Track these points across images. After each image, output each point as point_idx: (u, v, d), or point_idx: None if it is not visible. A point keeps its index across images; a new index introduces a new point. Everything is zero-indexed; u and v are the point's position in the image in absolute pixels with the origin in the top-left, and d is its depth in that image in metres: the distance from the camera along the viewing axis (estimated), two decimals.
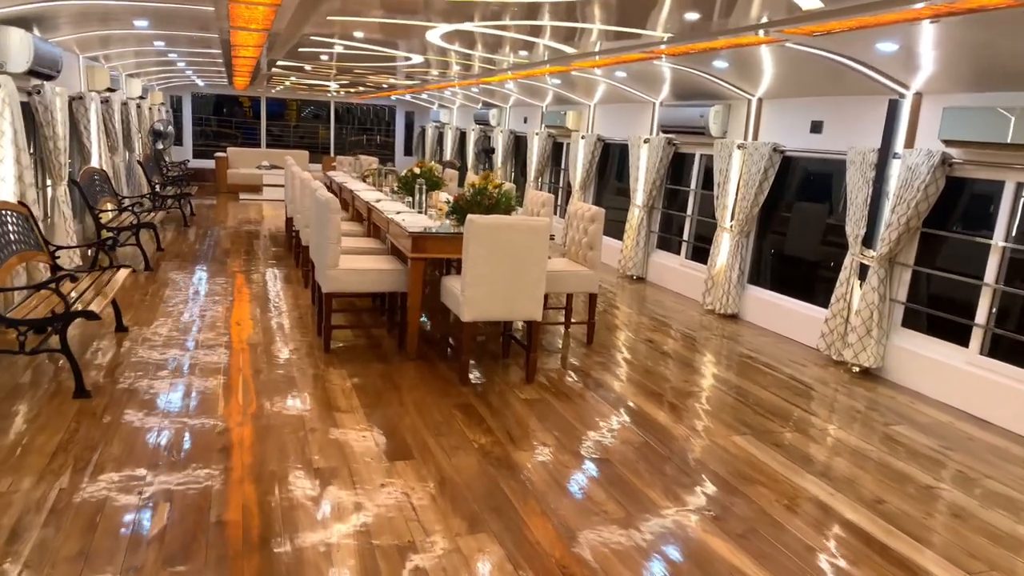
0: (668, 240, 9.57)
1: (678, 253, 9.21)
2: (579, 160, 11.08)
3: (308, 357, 5.59)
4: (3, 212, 5.06)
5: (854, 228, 6.20)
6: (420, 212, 6.46)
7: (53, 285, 4.32)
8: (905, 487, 4.10)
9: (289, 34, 6.56)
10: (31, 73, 6.11)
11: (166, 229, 11.25)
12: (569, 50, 7.19)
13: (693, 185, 8.95)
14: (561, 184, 12.67)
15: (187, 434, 4.07)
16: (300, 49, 8.07)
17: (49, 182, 7.38)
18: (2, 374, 4.71)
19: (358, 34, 6.64)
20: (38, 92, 6.75)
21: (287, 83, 14.61)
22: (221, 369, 5.16)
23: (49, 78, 6.72)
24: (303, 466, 3.80)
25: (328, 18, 5.77)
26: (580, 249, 6.38)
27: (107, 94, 9.94)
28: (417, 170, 7.50)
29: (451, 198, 6.06)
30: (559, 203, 12.65)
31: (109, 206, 8.59)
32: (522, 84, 11.28)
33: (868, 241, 6.11)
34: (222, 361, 5.33)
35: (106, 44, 8.78)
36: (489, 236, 4.93)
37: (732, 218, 7.79)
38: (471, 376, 5.36)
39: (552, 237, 5.73)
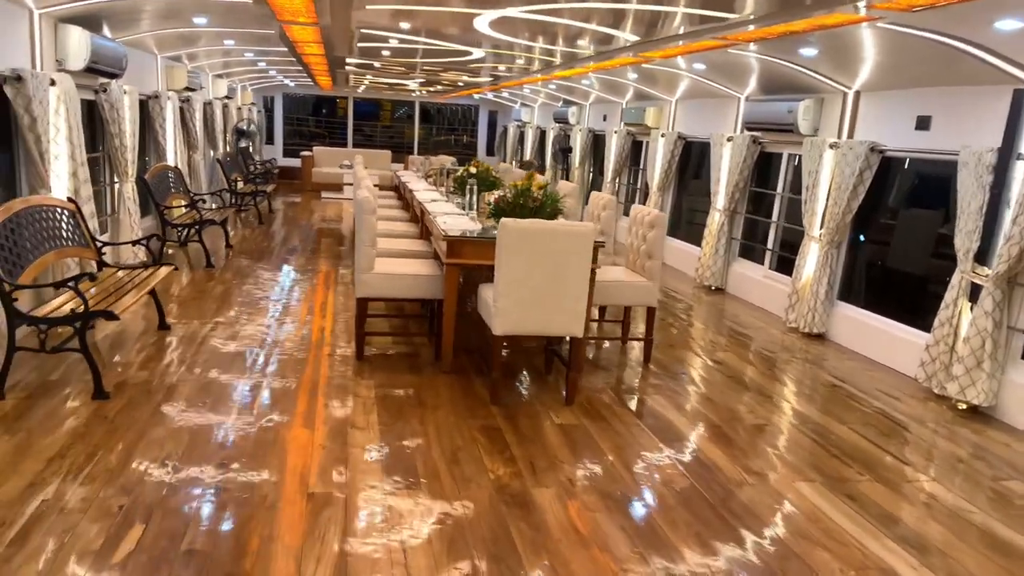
0: (751, 248, 8.77)
1: (761, 263, 8.40)
2: (658, 160, 10.40)
3: (340, 364, 5.28)
4: (47, 208, 5.03)
5: (965, 241, 5.31)
6: (468, 214, 6.04)
7: (72, 283, 4.16)
8: (1017, 565, 3.32)
9: (340, 28, 6.31)
10: (90, 71, 6.11)
11: (242, 226, 11.40)
12: (633, 39, 6.59)
13: (780, 188, 8.13)
14: (639, 185, 11.99)
15: (189, 444, 3.81)
16: (360, 44, 7.85)
17: (116, 179, 7.46)
18: (31, 372, 4.63)
19: (404, 24, 6.30)
20: (104, 90, 6.80)
21: (366, 82, 14.59)
22: (247, 374, 4.92)
23: (113, 76, 6.76)
24: (298, 490, 3.45)
25: (368, 7, 5.46)
26: (638, 257, 5.79)
27: (187, 93, 10.12)
28: (473, 169, 7.09)
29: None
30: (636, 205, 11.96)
31: (177, 203, 8.66)
32: (602, 79, 10.71)
33: (982, 257, 5.21)
34: (251, 364, 5.10)
35: (185, 44, 8.87)
36: (525, 241, 4.45)
37: (821, 226, 6.96)
38: (504, 395, 4.90)
39: (602, 244, 5.18)
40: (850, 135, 6.83)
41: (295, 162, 18.98)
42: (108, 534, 2.99)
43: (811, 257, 7.08)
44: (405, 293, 5.35)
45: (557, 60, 8.55)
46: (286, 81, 17.61)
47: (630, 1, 5.11)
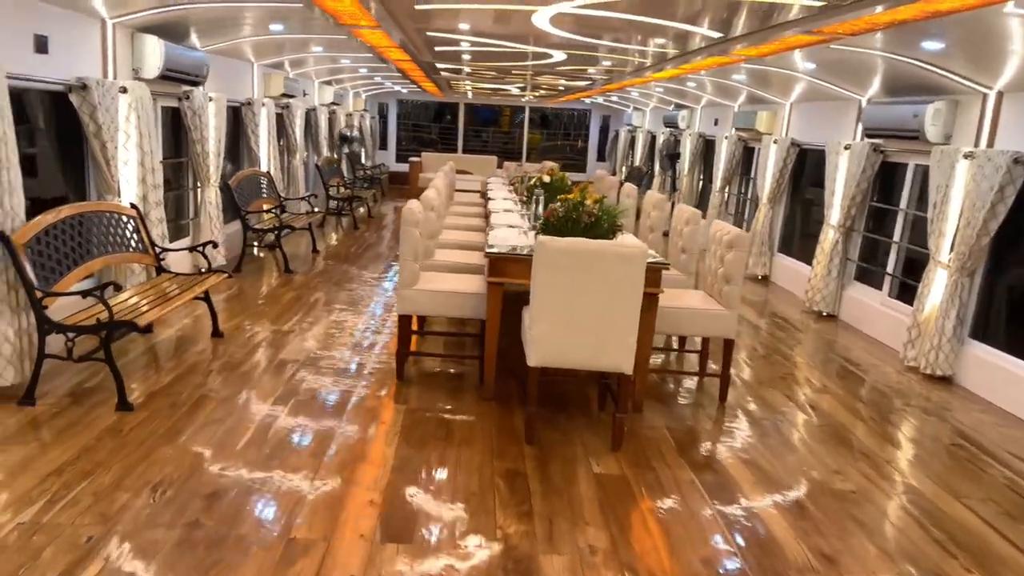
0: (869, 271, 7.72)
1: (880, 289, 7.35)
2: (769, 168, 9.46)
3: (378, 383, 4.98)
4: (103, 214, 5.07)
5: None
6: (523, 228, 5.56)
7: (97, 293, 4.08)
8: None
9: (406, 30, 6.04)
10: (167, 78, 6.19)
11: (338, 230, 11.51)
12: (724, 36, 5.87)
13: (903, 204, 7.06)
14: (751, 195, 11.02)
15: (188, 469, 3.59)
16: (437, 48, 7.58)
17: (198, 184, 7.59)
18: (73, 377, 4.62)
19: (463, 25, 5.93)
20: (187, 97, 6.91)
21: (467, 88, 14.43)
22: (278, 390, 4.70)
23: (193, 83, 6.85)
24: (279, 535, 3.12)
25: (416, 7, 5.13)
26: (716, 281, 5.09)
27: (285, 100, 10.29)
28: (547, 178, 6.62)
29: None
30: (746, 217, 11.02)
31: (264, 207, 8.76)
32: (713, 81, 9.90)
33: None
34: (287, 379, 4.88)
35: (279, 51, 8.99)
36: (564, 262, 3.93)
37: (951, 249, 5.93)
38: (542, 431, 4.38)
39: (666, 266, 4.56)
40: (989, 144, 5.76)
41: (407, 167, 19.21)
42: (62, 570, 2.77)
43: (937, 285, 6.04)
44: (449, 311, 4.96)
45: (648, 60, 7.92)
46: (398, 88, 17.85)
47: None
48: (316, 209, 10.00)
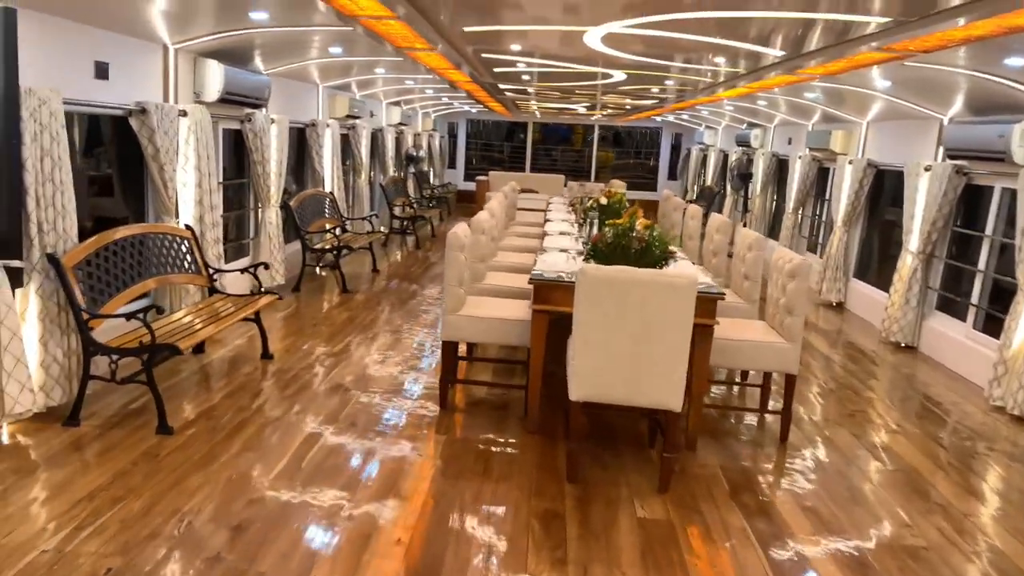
0: (952, 302, 7.17)
1: (964, 320, 6.80)
2: (844, 189, 8.98)
3: (420, 410, 4.87)
4: (157, 236, 5.18)
5: None
6: (573, 252, 5.37)
7: (141, 315, 4.14)
8: None
9: (462, 52, 6.00)
10: (227, 101, 6.32)
11: (401, 249, 11.59)
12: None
13: (989, 230, 6.53)
14: (825, 218, 10.49)
15: (219, 499, 3.55)
16: (495, 69, 7.52)
17: (259, 204, 7.74)
18: (121, 398, 4.66)
19: (515, 47, 5.82)
20: (249, 120, 7.07)
21: (533, 107, 14.38)
22: (320, 417, 4.65)
23: (255, 106, 7.00)
24: (298, 574, 3.03)
25: (464, 29, 5.05)
26: (777, 312, 4.78)
27: (351, 121, 10.46)
28: (604, 200, 6.43)
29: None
30: (820, 241, 10.49)
31: (325, 227, 8.87)
32: (787, 100, 9.50)
33: None
34: (327, 404, 4.84)
35: (344, 73, 9.14)
36: (608, 292, 3.73)
37: None
38: (586, 469, 4.16)
39: (721, 296, 4.29)
40: None
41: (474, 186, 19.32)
42: None
43: None
44: (495, 339, 4.82)
45: (714, 79, 7.64)
46: (467, 107, 18.00)
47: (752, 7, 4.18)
48: (380, 228, 10.09)
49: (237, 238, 7.98)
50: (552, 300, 4.39)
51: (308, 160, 9.37)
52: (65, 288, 4.06)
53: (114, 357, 4.20)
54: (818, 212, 10.91)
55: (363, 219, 10.09)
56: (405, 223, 11.93)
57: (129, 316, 4.23)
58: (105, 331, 4.33)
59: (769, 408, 5.14)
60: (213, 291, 5.64)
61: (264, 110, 7.28)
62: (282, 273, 7.85)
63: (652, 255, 4.33)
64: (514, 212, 10.98)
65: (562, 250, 5.58)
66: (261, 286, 5.73)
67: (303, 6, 4.39)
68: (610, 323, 3.76)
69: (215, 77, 6.08)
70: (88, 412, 4.33)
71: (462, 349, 5.79)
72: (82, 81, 4.65)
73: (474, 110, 18.70)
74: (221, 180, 6.90)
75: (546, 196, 15.19)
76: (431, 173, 17.73)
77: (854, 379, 6.34)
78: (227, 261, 7.33)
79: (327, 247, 8.27)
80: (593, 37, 5.15)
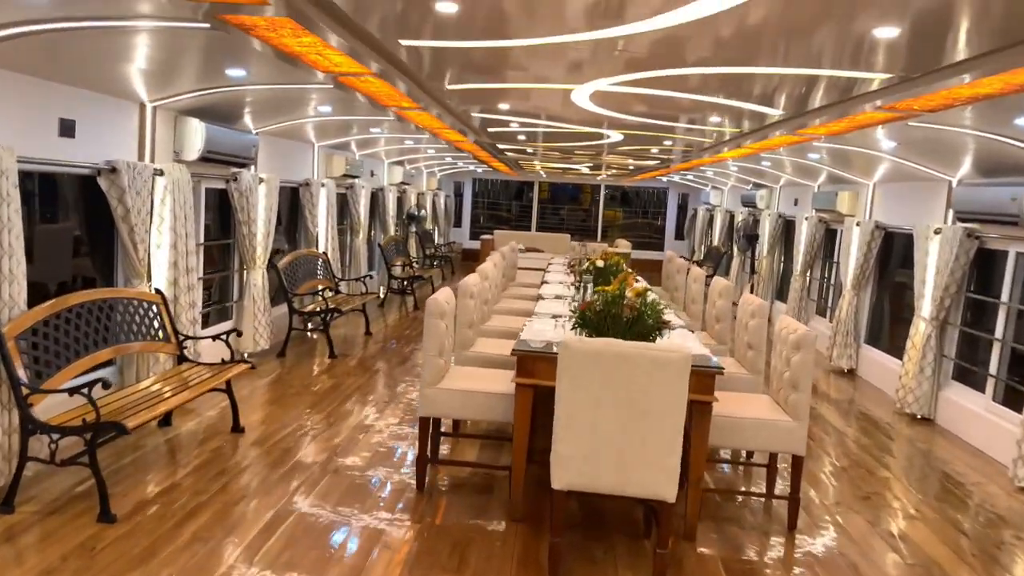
0: (969, 371, 6.77)
1: (983, 392, 6.38)
2: (852, 251, 8.68)
3: (395, 493, 4.49)
4: (122, 301, 4.92)
5: None
6: (562, 320, 5.03)
7: (85, 391, 3.81)
8: None
9: (451, 110, 5.82)
10: (208, 160, 6.14)
11: (402, 309, 11.31)
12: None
13: (1005, 296, 6.17)
14: (833, 281, 10.16)
15: None
16: (490, 129, 7.37)
17: (244, 266, 7.50)
18: (56, 484, 4.20)
19: (503, 105, 5.65)
20: (234, 179, 6.88)
21: (537, 167, 14.30)
22: (280, 503, 4.26)
23: (241, 165, 6.82)
24: None
25: (447, 87, 4.87)
26: (782, 387, 4.41)
27: (350, 180, 10.32)
28: (600, 263, 6.14)
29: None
30: (829, 304, 10.12)
31: (315, 288, 8.62)
32: (792, 161, 9.31)
33: None
34: (292, 488, 4.45)
35: (342, 132, 9.02)
36: (594, 368, 3.40)
37: None
38: (573, 565, 3.75)
39: (720, 370, 3.95)
40: None
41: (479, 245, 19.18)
42: None
43: None
44: (477, 414, 4.47)
45: (712, 140, 7.45)
46: (472, 167, 18.00)
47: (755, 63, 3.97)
48: (376, 290, 9.82)
49: (220, 300, 7.72)
50: (537, 373, 4.05)
51: (301, 219, 9.19)
52: (4, 360, 3.75)
53: (54, 436, 3.85)
54: (826, 275, 10.60)
55: (358, 280, 9.84)
56: (404, 283, 11.68)
57: (72, 391, 3.88)
58: (49, 407, 4.00)
59: (776, 492, 4.71)
60: (183, 359, 5.33)
61: (252, 169, 7.11)
62: (267, 337, 7.55)
63: (644, 324, 4.01)
64: (514, 272, 10.71)
65: (554, 316, 5.26)
66: (233, 354, 5.42)
67: (279, 63, 4.22)
68: (596, 402, 3.41)
69: (196, 135, 5.92)
70: (26, 497, 3.95)
71: (448, 424, 5.43)
72: (44, 139, 4.46)
73: (479, 170, 18.71)
74: (202, 241, 6.67)
75: (546, 256, 14.99)
76: (435, 232, 17.62)
77: (868, 455, 5.90)
78: (209, 325, 7.06)
79: (317, 309, 7.98)
80: (581, 95, 4.95)
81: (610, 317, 4.05)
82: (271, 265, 7.65)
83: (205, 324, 6.85)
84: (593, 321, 4.09)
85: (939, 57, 3.50)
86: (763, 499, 4.79)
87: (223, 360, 5.38)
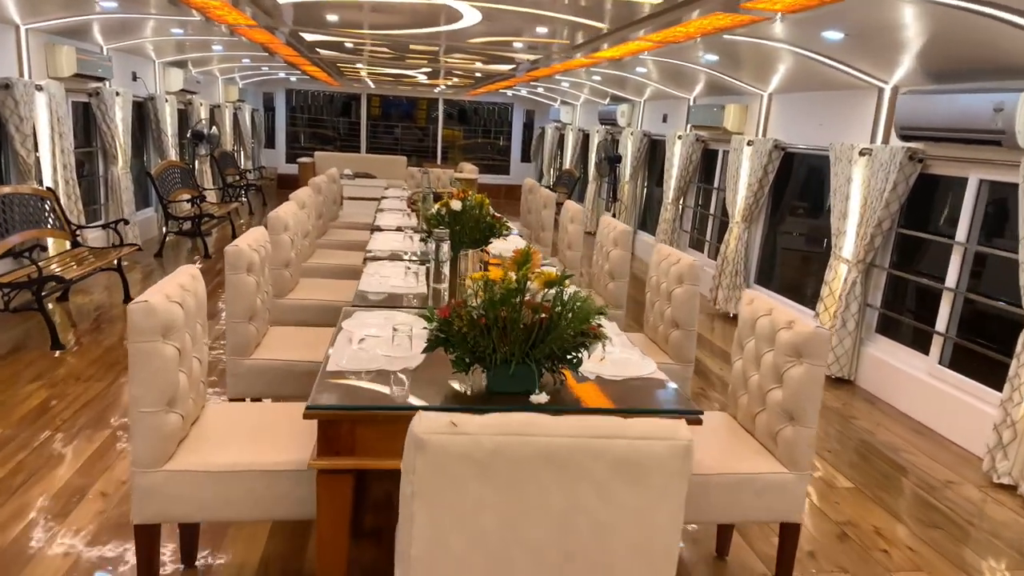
0: (901, 324, 5.65)
1: (924, 352, 5.22)
2: (743, 176, 7.33)
3: None
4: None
5: None
6: (401, 332, 2.89)
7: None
8: None
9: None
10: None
11: (192, 258, 8.65)
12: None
13: (962, 236, 4.95)
14: (712, 211, 8.89)
15: None
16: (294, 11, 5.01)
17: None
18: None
19: None
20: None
21: (363, 75, 11.78)
22: None
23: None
24: None
25: None
26: (661, 324, 2.77)
27: (94, 85, 7.39)
28: (456, 204, 4.13)
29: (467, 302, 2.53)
30: (711, 240, 8.87)
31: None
32: (663, 63, 7.65)
33: None
34: None
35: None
36: (484, 485, 1.49)
37: None
38: None
39: (699, 420, 2.19)
40: None
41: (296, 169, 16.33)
42: None
43: None
44: (238, 513, 2.41)
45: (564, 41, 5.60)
46: (284, 75, 14.97)
47: None
48: (137, 240, 7.13)
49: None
50: (356, 449, 2.06)
51: (6, 140, 6.22)
52: None
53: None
54: (702, 204, 9.32)
55: (108, 226, 6.84)
56: (193, 223, 8.91)
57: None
58: None
59: None
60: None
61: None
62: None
63: (561, 337, 2.13)
64: (336, 212, 8.51)
65: (391, 307, 3.26)
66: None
67: None
68: (489, 553, 1.52)
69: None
70: None
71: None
72: None
73: (293, 78, 15.66)
74: None
75: (382, 183, 12.67)
76: (239, 156, 14.60)
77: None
78: None
79: (26, 279, 5.28)
80: None
81: (493, 329, 2.12)
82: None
83: None
84: (451, 341, 2.14)
85: None
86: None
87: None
